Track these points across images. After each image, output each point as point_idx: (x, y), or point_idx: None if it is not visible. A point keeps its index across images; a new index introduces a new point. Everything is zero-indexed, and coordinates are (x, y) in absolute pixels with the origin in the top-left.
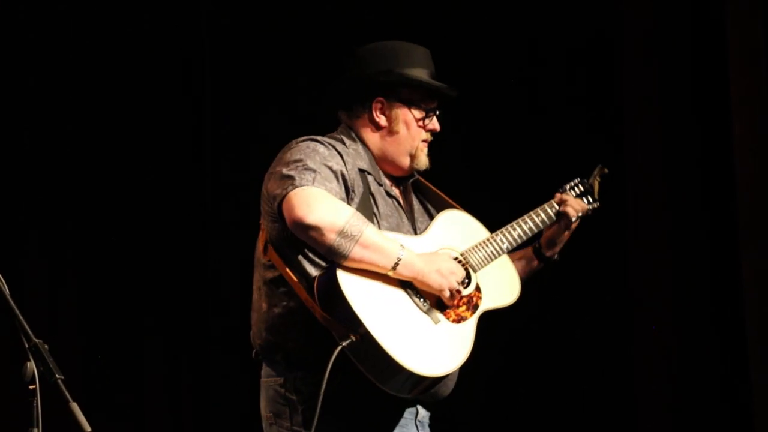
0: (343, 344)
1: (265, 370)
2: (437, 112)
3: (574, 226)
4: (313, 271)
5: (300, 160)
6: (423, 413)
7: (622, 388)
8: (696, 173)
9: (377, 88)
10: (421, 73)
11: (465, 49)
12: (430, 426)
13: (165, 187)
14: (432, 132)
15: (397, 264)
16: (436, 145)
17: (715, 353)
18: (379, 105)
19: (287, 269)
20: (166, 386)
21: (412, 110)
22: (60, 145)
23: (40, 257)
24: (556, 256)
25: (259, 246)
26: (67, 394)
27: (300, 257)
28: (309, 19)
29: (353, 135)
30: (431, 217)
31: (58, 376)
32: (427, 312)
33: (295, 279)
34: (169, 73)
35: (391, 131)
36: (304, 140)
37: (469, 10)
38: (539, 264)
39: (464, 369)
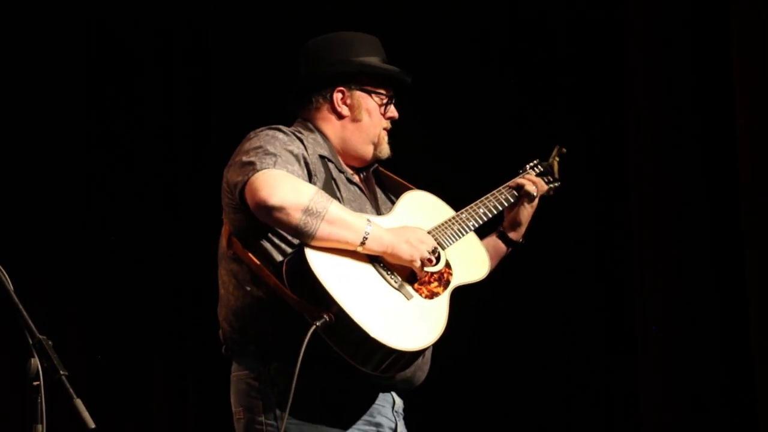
0: (317, 324)
1: (235, 365)
2: (393, 99)
3: (534, 203)
4: (280, 257)
5: (260, 147)
6: (399, 403)
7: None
8: (699, 166)
9: (337, 78)
10: (376, 61)
11: (445, 31)
12: (404, 419)
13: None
14: (391, 119)
15: (365, 239)
16: (394, 132)
17: (717, 351)
18: (340, 94)
19: (253, 257)
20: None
21: (373, 97)
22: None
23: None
24: (521, 239)
25: (222, 241)
26: (71, 390)
27: (266, 243)
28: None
29: (310, 126)
30: (393, 203)
31: (62, 372)
32: (398, 288)
33: (263, 266)
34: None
35: (353, 119)
36: (262, 129)
37: None
38: (507, 248)
39: (436, 355)
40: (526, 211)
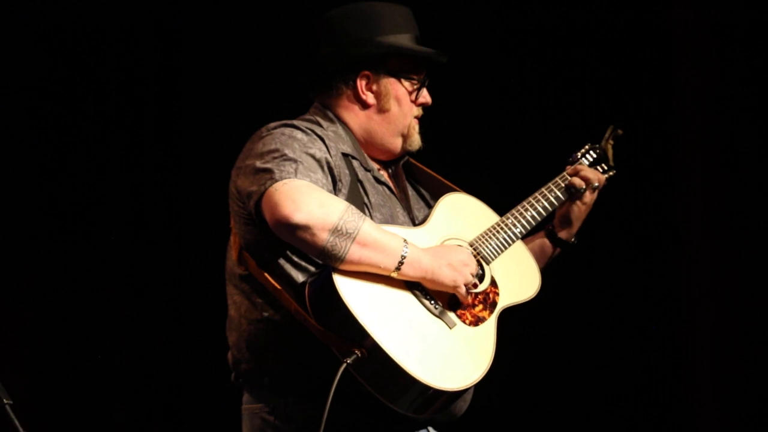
0: (348, 361)
1: (247, 396)
2: (426, 82)
3: (591, 200)
4: (301, 277)
5: (276, 150)
6: None
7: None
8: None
9: (361, 60)
10: (406, 40)
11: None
12: None
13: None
14: (423, 106)
15: (401, 263)
16: (425, 120)
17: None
18: (365, 80)
19: (269, 277)
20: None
21: (403, 83)
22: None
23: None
24: (573, 239)
25: (232, 254)
26: (16, 421)
27: (284, 262)
28: None
29: (330, 115)
30: (428, 204)
31: (6, 401)
32: (439, 315)
33: (280, 288)
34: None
35: (380, 109)
36: (277, 126)
37: None
38: (555, 249)
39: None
40: (581, 209)
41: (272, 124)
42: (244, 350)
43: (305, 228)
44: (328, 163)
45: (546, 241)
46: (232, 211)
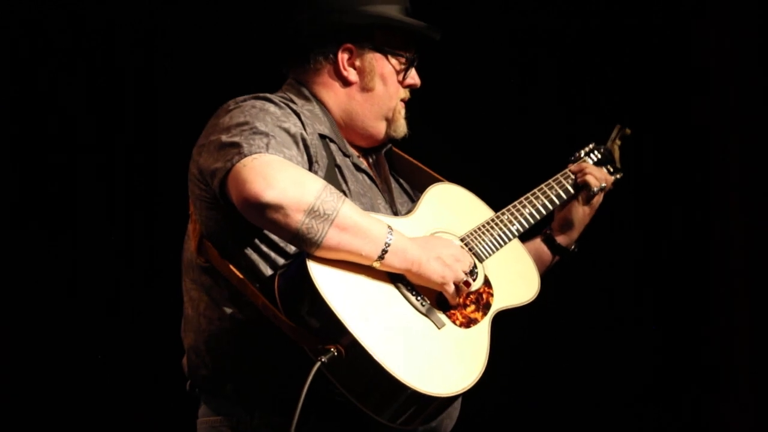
0: (322, 359)
1: (204, 408)
2: (416, 61)
3: (596, 202)
4: (270, 270)
5: (246, 123)
6: None
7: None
8: None
9: (344, 30)
10: (395, 11)
11: None
12: None
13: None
14: (411, 88)
15: (385, 252)
16: (412, 104)
17: None
18: (347, 54)
19: (234, 269)
20: None
21: (390, 60)
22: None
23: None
24: (574, 246)
25: (191, 243)
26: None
27: (251, 251)
28: None
29: (306, 93)
30: (412, 198)
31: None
32: (426, 314)
33: (246, 280)
34: None
35: (363, 88)
36: (246, 99)
37: None
38: (554, 257)
39: (469, 396)
40: (583, 211)
41: (241, 97)
42: (203, 353)
43: (277, 208)
44: (303, 139)
45: (543, 246)
46: (192, 195)
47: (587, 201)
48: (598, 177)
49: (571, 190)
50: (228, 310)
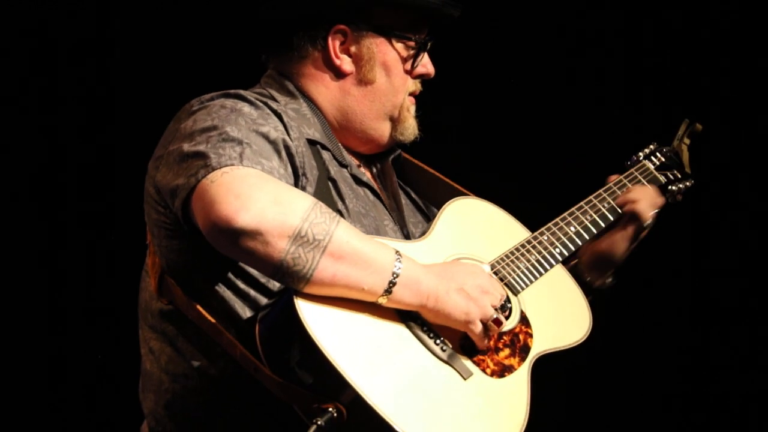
0: (319, 422)
1: None
2: (429, 45)
3: (643, 231)
4: (248, 311)
5: (214, 128)
6: None
7: None
8: None
9: (335, 9)
10: None
11: None
12: None
13: None
14: (422, 79)
15: (392, 284)
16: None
17: None
18: (339, 38)
19: (204, 312)
20: None
21: (395, 44)
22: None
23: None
24: (610, 281)
25: (150, 281)
26: None
27: (224, 289)
28: None
29: (290, 87)
30: (428, 216)
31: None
32: (448, 360)
33: (220, 326)
34: None
35: (360, 80)
36: (214, 97)
37: None
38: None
39: None
40: (627, 239)
41: (207, 95)
42: (165, 420)
43: (254, 234)
44: (287, 147)
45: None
46: (148, 220)
47: (636, 230)
48: (647, 200)
49: (620, 210)
50: (196, 364)
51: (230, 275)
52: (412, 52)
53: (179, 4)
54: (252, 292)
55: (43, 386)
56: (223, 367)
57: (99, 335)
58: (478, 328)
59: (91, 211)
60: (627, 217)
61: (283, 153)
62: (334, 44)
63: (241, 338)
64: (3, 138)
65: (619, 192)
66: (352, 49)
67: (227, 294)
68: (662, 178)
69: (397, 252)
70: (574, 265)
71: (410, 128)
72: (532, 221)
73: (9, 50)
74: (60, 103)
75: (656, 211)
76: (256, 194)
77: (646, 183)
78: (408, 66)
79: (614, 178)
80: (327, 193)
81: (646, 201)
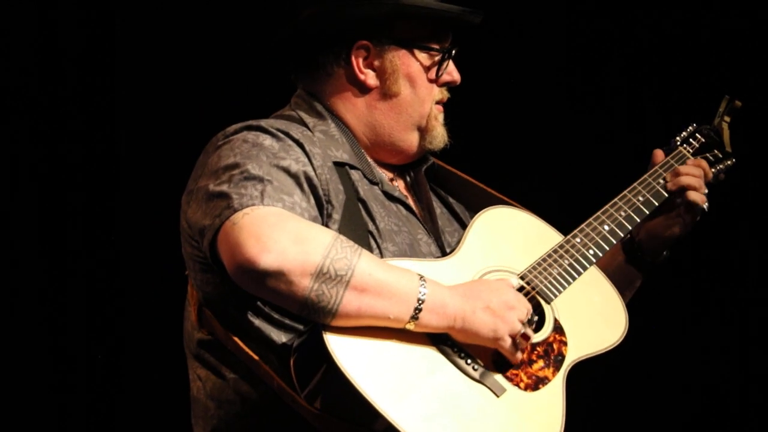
0: None
1: None
2: (453, 52)
3: (694, 213)
4: (284, 338)
5: (236, 165)
6: None
7: None
8: None
9: (357, 25)
10: None
11: None
12: None
13: None
14: (449, 86)
15: (418, 311)
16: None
17: None
18: (362, 53)
19: (241, 344)
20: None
21: (418, 55)
22: None
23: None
24: (664, 255)
25: (191, 311)
26: None
27: (259, 321)
28: None
29: (319, 108)
30: (463, 222)
31: None
32: (480, 379)
33: (257, 358)
34: None
35: (385, 93)
36: (237, 130)
37: None
38: (639, 273)
39: None
40: (679, 223)
41: (232, 128)
42: None
43: (277, 275)
44: (308, 178)
45: (629, 266)
46: (184, 252)
47: (688, 212)
48: (697, 176)
49: (665, 193)
50: (239, 391)
51: (264, 306)
52: (436, 60)
53: (204, 23)
54: (287, 321)
55: (43, 386)
56: (264, 396)
57: (99, 335)
58: (507, 343)
59: (91, 212)
60: (678, 194)
61: (305, 185)
62: (357, 60)
63: (279, 369)
64: (3, 138)
65: (654, 183)
66: (376, 63)
67: (263, 324)
68: None
69: (421, 277)
70: (636, 245)
71: (439, 136)
72: (564, 226)
73: (9, 50)
74: (62, 103)
75: (708, 182)
76: (277, 234)
77: None
78: (433, 75)
79: (659, 154)
80: (357, 215)
81: (694, 173)
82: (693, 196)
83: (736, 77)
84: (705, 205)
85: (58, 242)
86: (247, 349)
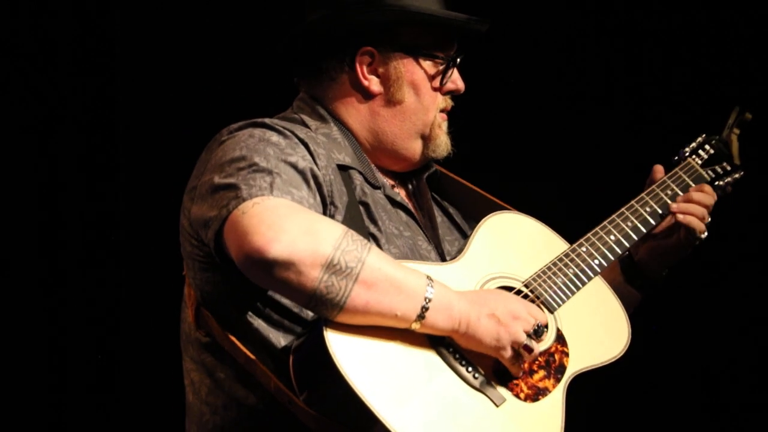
0: None
1: None
2: (459, 60)
3: (699, 235)
4: (282, 341)
5: (243, 158)
6: None
7: None
8: None
9: (361, 30)
10: (427, 1)
11: None
12: None
13: None
14: (453, 95)
15: (425, 309)
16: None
17: None
18: (367, 59)
19: (239, 344)
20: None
21: (422, 63)
22: None
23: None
24: (665, 273)
25: (188, 313)
26: None
27: (258, 321)
28: None
29: (322, 112)
30: (464, 232)
31: None
32: (480, 388)
33: (253, 357)
34: None
35: (389, 100)
36: (242, 126)
37: None
38: (638, 292)
39: None
40: (679, 245)
41: (236, 125)
42: None
43: (287, 264)
44: (314, 176)
45: (624, 284)
46: (183, 252)
47: (689, 234)
48: (708, 208)
49: (668, 202)
50: (234, 395)
51: (264, 306)
52: (440, 68)
53: (207, 24)
54: (286, 322)
55: (43, 387)
56: (260, 399)
57: (98, 336)
58: (509, 353)
59: (92, 212)
60: (682, 228)
61: (312, 182)
62: (361, 66)
63: (276, 370)
64: (3, 138)
65: (662, 194)
66: (380, 69)
67: (262, 325)
68: (707, 175)
69: (428, 277)
70: (634, 267)
71: (443, 145)
72: (570, 234)
73: (9, 50)
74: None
75: (710, 205)
76: (287, 224)
77: (691, 183)
78: (437, 83)
79: (659, 170)
80: (358, 218)
81: (699, 212)
82: (694, 223)
83: (747, 87)
84: (704, 235)
85: (57, 242)
86: (243, 349)
